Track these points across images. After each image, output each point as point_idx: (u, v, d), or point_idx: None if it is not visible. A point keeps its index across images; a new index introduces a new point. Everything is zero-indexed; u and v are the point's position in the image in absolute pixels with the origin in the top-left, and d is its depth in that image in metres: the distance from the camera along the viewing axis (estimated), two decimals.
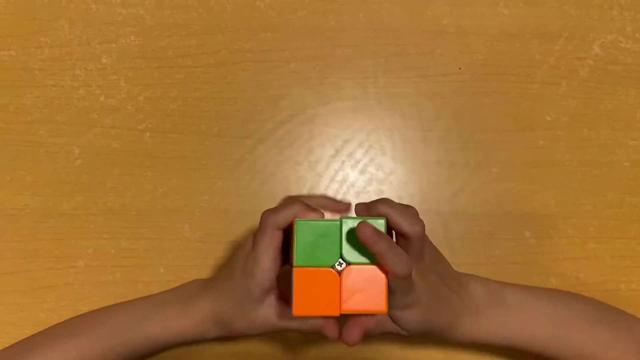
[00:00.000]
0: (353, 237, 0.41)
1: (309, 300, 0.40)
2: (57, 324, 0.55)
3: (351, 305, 0.41)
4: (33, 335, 0.54)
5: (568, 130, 0.63)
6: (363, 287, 0.41)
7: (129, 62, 0.63)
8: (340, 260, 0.41)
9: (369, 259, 0.41)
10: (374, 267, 0.41)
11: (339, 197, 0.61)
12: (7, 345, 0.53)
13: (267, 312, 0.46)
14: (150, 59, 0.63)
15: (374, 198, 0.50)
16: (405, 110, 0.63)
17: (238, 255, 0.48)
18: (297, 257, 0.41)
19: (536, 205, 0.62)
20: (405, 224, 0.44)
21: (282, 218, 0.44)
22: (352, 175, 0.62)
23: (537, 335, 0.50)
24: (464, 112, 0.63)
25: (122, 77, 0.63)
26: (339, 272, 0.41)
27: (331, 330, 0.47)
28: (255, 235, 0.46)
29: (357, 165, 0.62)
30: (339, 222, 0.41)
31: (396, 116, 0.63)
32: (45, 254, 0.60)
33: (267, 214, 0.45)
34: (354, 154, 0.63)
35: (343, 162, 0.62)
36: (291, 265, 0.42)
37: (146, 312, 0.51)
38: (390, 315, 0.46)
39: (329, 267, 0.41)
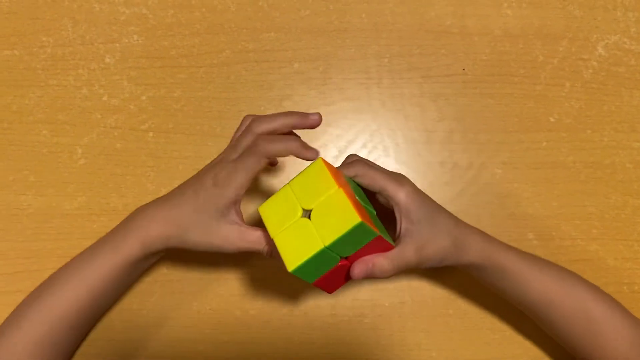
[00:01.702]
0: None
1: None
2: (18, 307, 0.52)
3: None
4: None
5: (571, 131, 0.63)
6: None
7: (132, 61, 0.63)
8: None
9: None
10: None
11: None
12: None
13: (230, 228, 0.47)
14: (153, 58, 0.63)
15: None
16: (408, 111, 0.63)
17: (213, 166, 0.49)
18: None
19: (539, 206, 0.62)
20: (390, 190, 0.47)
21: (275, 151, 0.46)
22: None
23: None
24: (468, 113, 0.63)
25: (125, 76, 0.63)
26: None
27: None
28: (244, 153, 0.47)
29: None
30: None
31: (399, 117, 0.63)
32: (48, 254, 0.59)
33: (263, 141, 0.46)
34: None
35: None
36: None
37: (94, 250, 0.51)
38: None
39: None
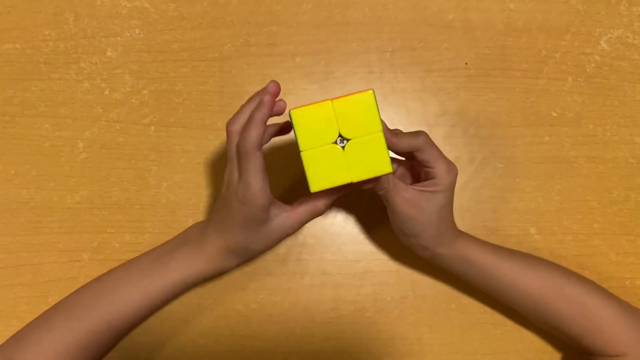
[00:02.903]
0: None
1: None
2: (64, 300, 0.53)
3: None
4: (29, 324, 0.51)
5: (574, 126, 0.63)
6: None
7: (134, 55, 0.63)
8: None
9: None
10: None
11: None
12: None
13: (278, 223, 0.49)
14: (155, 52, 0.63)
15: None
16: (410, 106, 0.63)
17: (229, 191, 0.48)
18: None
19: (541, 201, 0.62)
20: (440, 170, 0.49)
21: (255, 136, 0.45)
22: None
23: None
24: (470, 107, 0.63)
25: (127, 70, 0.62)
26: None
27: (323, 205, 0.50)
28: (238, 163, 0.47)
29: None
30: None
31: (401, 111, 0.63)
32: (50, 248, 0.60)
33: (243, 141, 0.45)
34: None
35: None
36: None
37: (153, 263, 0.51)
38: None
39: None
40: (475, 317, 0.59)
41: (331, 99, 0.44)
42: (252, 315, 0.59)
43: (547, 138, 0.62)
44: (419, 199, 0.49)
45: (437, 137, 0.62)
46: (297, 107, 0.45)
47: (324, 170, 0.45)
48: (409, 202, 0.49)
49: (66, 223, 0.60)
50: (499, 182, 0.62)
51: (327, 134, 0.45)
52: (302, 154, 0.45)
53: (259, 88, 0.59)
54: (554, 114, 0.63)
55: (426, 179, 0.50)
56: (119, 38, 0.63)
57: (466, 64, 0.63)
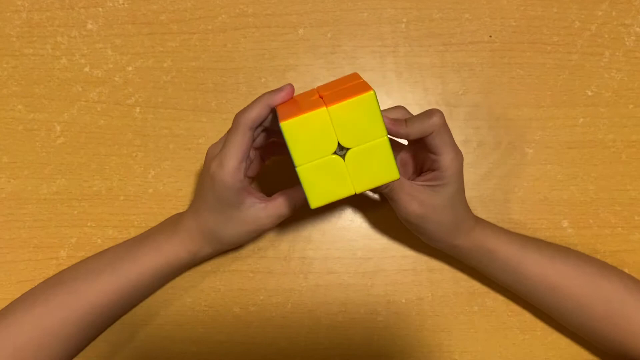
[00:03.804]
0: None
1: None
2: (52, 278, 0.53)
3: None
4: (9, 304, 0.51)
5: (611, 106, 0.60)
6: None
7: (117, 28, 0.60)
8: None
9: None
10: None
11: None
12: None
13: (251, 213, 0.48)
14: (140, 24, 0.60)
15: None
16: (428, 83, 0.60)
17: (205, 165, 0.49)
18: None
19: (575, 190, 0.59)
20: (446, 158, 0.47)
21: (255, 114, 0.45)
22: None
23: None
24: (495, 85, 0.60)
25: (110, 45, 0.60)
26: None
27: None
28: (226, 136, 0.47)
29: None
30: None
31: (418, 90, 0.60)
32: (23, 244, 0.57)
33: (241, 114, 0.45)
34: None
35: None
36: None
37: (132, 247, 0.52)
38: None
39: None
40: (500, 321, 0.57)
41: (326, 106, 0.41)
42: (250, 319, 0.57)
43: (581, 120, 0.60)
44: (427, 195, 0.48)
45: (458, 118, 0.59)
46: (288, 119, 0.41)
47: (323, 184, 0.43)
48: (417, 200, 0.48)
49: (42, 216, 0.58)
50: (527, 169, 0.59)
51: (324, 145, 0.42)
52: (297, 169, 0.42)
53: (256, 64, 0.60)
54: (589, 93, 0.60)
55: (430, 169, 0.49)
56: (100, 9, 0.61)
57: (490, 36, 0.61)
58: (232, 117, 0.55)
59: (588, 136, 0.59)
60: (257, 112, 0.44)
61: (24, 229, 0.57)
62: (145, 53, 0.60)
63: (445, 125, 0.46)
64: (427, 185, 0.48)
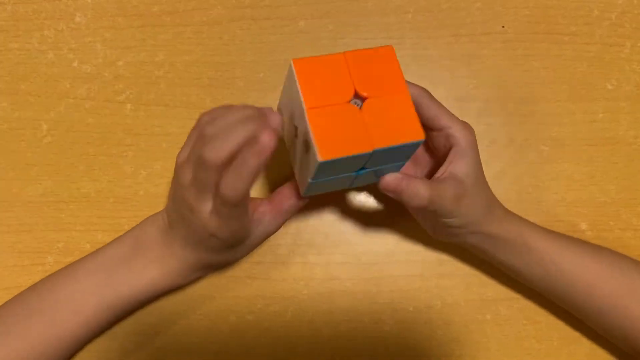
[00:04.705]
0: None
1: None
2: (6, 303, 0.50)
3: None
4: None
5: (633, 100, 0.59)
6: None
7: (107, 20, 0.59)
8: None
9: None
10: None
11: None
12: None
13: (260, 230, 0.46)
14: (131, 16, 0.60)
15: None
16: (436, 77, 0.59)
17: (194, 217, 0.42)
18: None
19: (594, 190, 0.58)
20: (455, 128, 0.46)
21: (248, 189, 0.38)
22: None
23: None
24: (508, 79, 0.59)
25: (99, 38, 0.59)
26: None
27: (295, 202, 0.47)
28: (217, 205, 0.40)
29: None
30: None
31: (426, 83, 0.56)
32: (8, 249, 0.56)
33: (229, 191, 0.38)
34: None
35: None
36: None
37: (106, 274, 0.48)
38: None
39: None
40: (515, 330, 0.55)
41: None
42: (246, 328, 0.55)
43: (600, 115, 0.59)
44: (455, 168, 0.46)
45: (470, 114, 0.58)
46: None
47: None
48: (448, 180, 0.46)
49: (27, 219, 0.56)
50: (543, 167, 0.58)
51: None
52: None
53: (254, 58, 0.58)
54: (609, 87, 0.59)
55: (444, 157, 0.47)
56: (89, 0, 0.60)
57: (503, 26, 0.60)
58: None
59: (608, 132, 0.58)
60: (249, 185, 0.37)
61: (9, 233, 0.56)
62: (137, 47, 0.59)
63: (430, 95, 0.46)
64: (449, 178, 0.46)
